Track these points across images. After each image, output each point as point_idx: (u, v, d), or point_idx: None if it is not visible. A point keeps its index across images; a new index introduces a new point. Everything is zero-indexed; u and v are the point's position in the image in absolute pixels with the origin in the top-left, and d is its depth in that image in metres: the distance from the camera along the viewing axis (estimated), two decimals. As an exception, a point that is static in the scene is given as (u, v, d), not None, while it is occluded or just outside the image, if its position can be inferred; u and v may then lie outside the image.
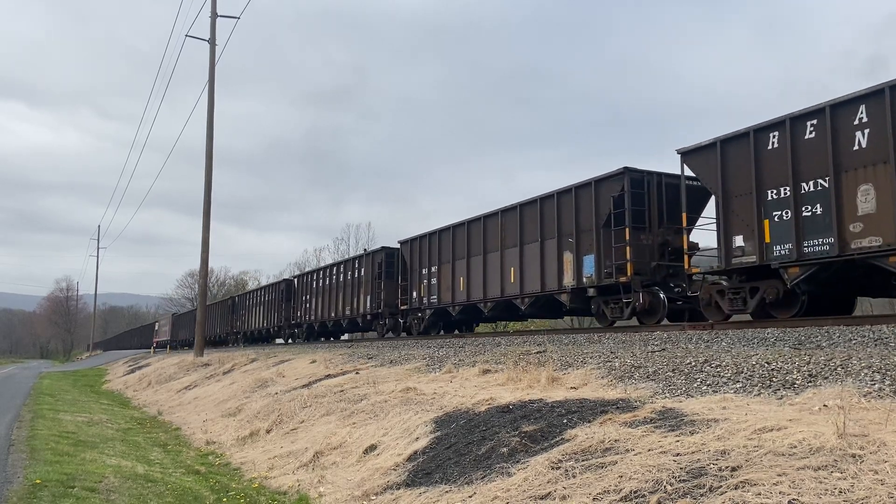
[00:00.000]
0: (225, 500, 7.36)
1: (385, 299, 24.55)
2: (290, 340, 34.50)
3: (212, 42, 28.57)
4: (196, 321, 29.63)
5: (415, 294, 22.41)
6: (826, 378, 6.08)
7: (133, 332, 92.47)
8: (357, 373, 13.01)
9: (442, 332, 22.53)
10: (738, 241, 12.08)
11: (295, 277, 35.51)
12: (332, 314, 28.61)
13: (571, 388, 7.85)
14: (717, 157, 12.45)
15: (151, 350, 56.78)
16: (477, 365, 10.66)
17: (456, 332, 22.70)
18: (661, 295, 14.02)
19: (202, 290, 29.71)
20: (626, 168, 14.46)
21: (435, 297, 21.14)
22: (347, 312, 27.15)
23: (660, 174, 14.75)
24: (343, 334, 32.21)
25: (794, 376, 6.29)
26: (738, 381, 6.58)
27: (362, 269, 26.23)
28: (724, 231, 12.29)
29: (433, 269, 21.40)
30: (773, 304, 11.77)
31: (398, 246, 24.24)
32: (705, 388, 6.65)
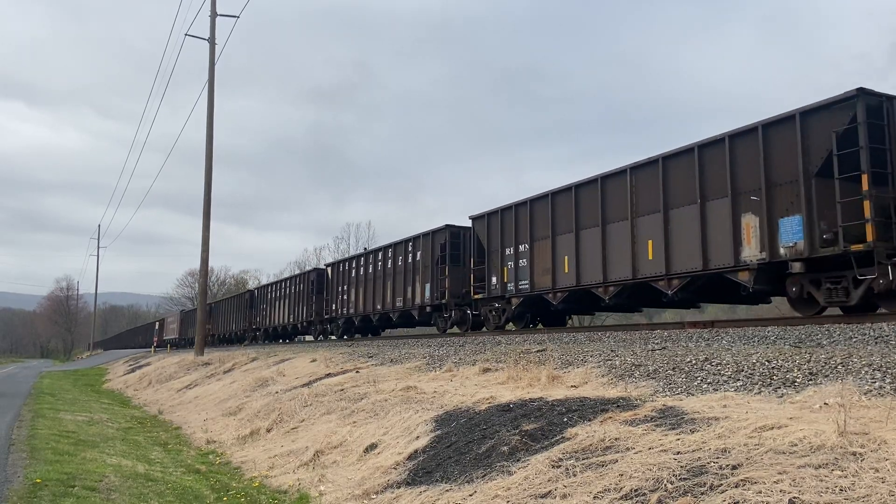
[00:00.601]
0: (225, 499, 7.36)
1: (450, 287, 20.77)
2: (321, 337, 31.70)
3: (211, 41, 28.57)
4: (197, 320, 29.63)
5: (494, 280, 18.57)
6: (827, 376, 6.08)
7: (135, 331, 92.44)
8: (357, 371, 13.01)
9: (528, 326, 18.97)
10: None
11: (328, 266, 31.71)
12: (379, 307, 25.15)
13: (572, 386, 7.85)
14: None
15: (152, 349, 56.77)
16: (477, 364, 10.67)
17: (539, 325, 19.28)
18: None
19: (202, 288, 29.72)
20: (860, 90, 10.63)
21: (525, 282, 17.38)
22: (399, 304, 23.74)
23: None
24: (384, 329, 28.91)
25: (795, 374, 6.29)
26: (739, 380, 6.58)
27: (419, 253, 22.46)
28: None
29: (522, 247, 17.57)
30: None
31: (468, 223, 20.49)
32: (706, 386, 6.65)
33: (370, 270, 26.25)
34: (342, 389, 11.43)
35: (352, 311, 27.71)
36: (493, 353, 11.90)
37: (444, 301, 21.15)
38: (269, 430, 10.94)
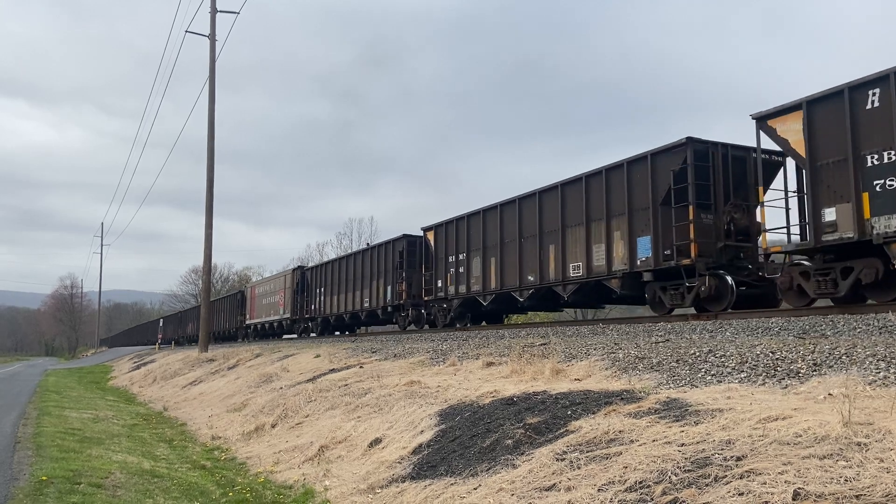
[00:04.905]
0: (231, 494, 7.38)
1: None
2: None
3: (212, 38, 28.50)
4: (200, 317, 29.68)
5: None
6: (831, 367, 6.07)
7: (140, 328, 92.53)
8: (361, 367, 13.03)
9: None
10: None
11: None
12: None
13: (575, 379, 7.85)
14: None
15: (156, 346, 56.92)
16: (481, 358, 10.67)
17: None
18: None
19: (206, 286, 29.76)
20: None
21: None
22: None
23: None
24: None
25: (799, 365, 6.28)
26: (743, 371, 6.57)
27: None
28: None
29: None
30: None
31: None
32: (710, 378, 6.65)
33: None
34: (346, 385, 11.44)
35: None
36: (496, 346, 11.90)
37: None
38: (273, 426, 10.96)
